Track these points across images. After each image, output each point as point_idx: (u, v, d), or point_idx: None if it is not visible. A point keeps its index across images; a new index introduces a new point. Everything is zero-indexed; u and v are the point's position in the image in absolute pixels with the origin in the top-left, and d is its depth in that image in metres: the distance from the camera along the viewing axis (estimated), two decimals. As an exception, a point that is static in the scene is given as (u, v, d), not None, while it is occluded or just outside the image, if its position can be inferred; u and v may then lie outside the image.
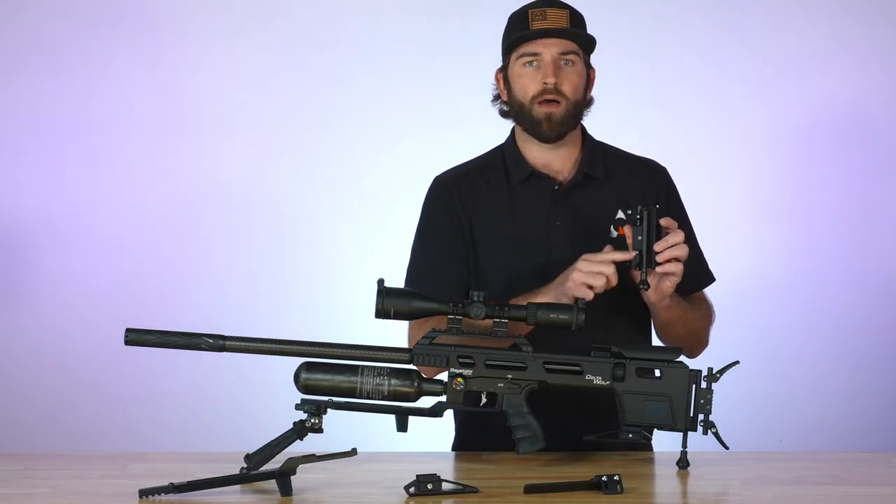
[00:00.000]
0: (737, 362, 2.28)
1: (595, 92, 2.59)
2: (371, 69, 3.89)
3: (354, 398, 2.19)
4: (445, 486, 2.06)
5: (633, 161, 2.65)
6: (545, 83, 2.49)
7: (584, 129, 2.62)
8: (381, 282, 2.23)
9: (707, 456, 2.34)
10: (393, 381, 2.20)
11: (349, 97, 3.90)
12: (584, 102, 2.55)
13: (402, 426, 2.20)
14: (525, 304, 2.25)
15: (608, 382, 2.26)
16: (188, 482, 2.05)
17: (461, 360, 2.24)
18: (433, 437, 2.63)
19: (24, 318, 3.85)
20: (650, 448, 2.50)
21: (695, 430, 2.27)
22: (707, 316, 2.60)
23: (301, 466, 2.08)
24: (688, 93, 3.89)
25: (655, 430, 2.36)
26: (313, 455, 2.10)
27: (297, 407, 2.15)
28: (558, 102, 2.49)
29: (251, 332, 2.24)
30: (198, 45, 3.88)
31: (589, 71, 2.57)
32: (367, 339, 2.28)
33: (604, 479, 2.07)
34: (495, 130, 2.66)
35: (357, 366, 2.20)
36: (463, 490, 2.07)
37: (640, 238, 2.34)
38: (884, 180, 3.88)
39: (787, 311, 3.89)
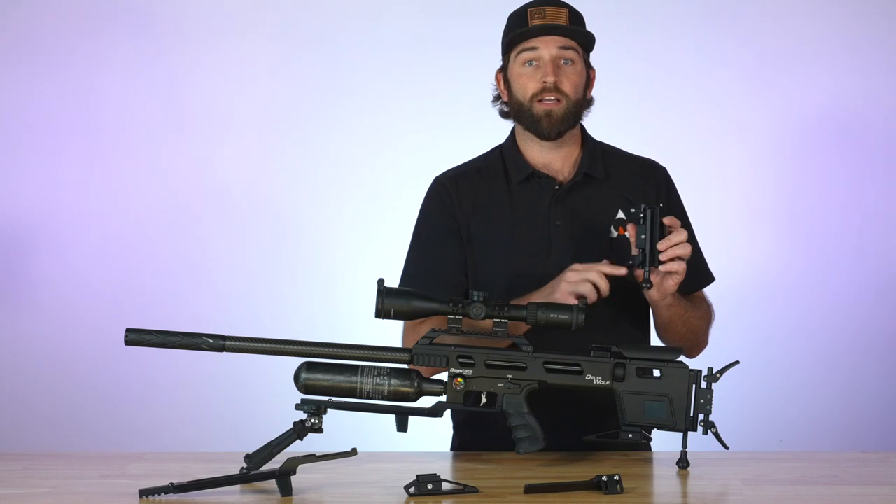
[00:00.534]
0: (737, 362, 2.28)
1: (595, 91, 2.59)
2: (370, 69, 3.89)
3: (354, 398, 2.19)
4: (445, 486, 2.06)
5: (633, 161, 2.65)
6: (545, 82, 2.49)
7: (583, 129, 2.62)
8: (381, 282, 2.23)
9: (707, 456, 2.34)
10: (393, 381, 2.20)
11: (349, 97, 3.90)
12: (584, 102, 2.55)
13: (402, 426, 2.20)
14: (525, 304, 2.25)
15: (608, 382, 2.26)
16: (188, 482, 2.05)
17: (461, 360, 2.24)
18: (433, 437, 2.64)
19: (24, 318, 3.85)
20: (650, 448, 2.50)
21: (695, 430, 2.27)
22: (707, 315, 2.60)
23: (301, 466, 2.08)
24: (688, 92, 3.89)
25: (655, 430, 2.36)
26: (313, 455, 2.10)
27: (297, 407, 2.15)
28: (558, 100, 2.49)
29: (251, 332, 2.24)
30: (196, 45, 3.88)
31: (589, 71, 2.57)
32: (367, 339, 2.28)
33: (604, 479, 2.07)
34: (495, 130, 2.66)
35: (357, 366, 2.20)
36: (463, 490, 2.07)
37: (643, 237, 2.35)
38: (885, 181, 3.88)
39: (787, 311, 3.89)
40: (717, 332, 2.63)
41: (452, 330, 2.23)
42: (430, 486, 2.05)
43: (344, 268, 3.87)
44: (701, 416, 2.27)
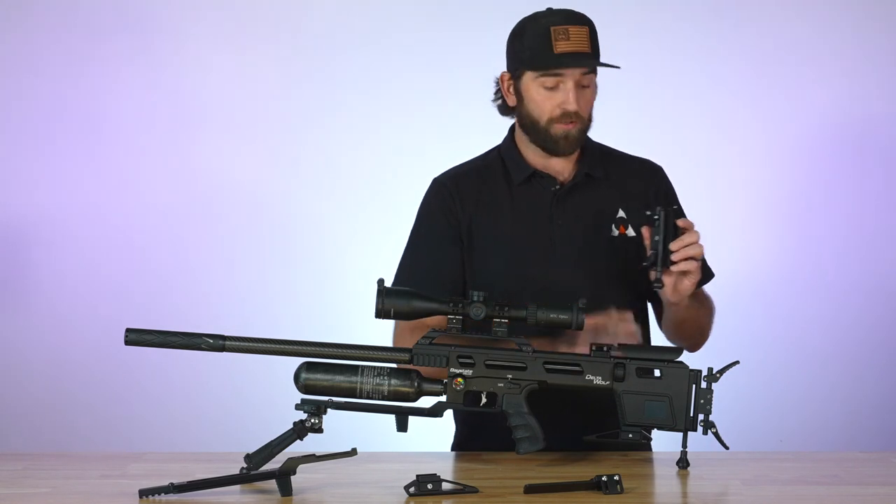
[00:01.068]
0: (737, 362, 2.28)
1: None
2: (372, 70, 3.89)
3: (354, 398, 2.20)
4: (445, 486, 2.06)
5: (631, 161, 2.65)
6: (566, 109, 2.47)
7: (582, 131, 2.61)
8: (381, 282, 2.23)
9: (707, 456, 2.34)
10: (393, 381, 2.20)
11: (349, 98, 3.89)
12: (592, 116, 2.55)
13: (402, 426, 2.20)
14: (525, 304, 2.25)
15: (608, 382, 2.26)
16: (188, 482, 2.05)
17: (461, 360, 2.25)
18: (433, 437, 2.63)
19: (23, 318, 3.85)
20: (650, 448, 2.50)
21: (695, 430, 2.27)
22: (711, 312, 2.61)
23: (301, 466, 2.08)
24: (687, 91, 3.88)
25: (655, 430, 2.36)
26: (313, 455, 2.10)
27: (297, 407, 2.15)
28: (575, 122, 2.48)
29: (251, 332, 2.24)
30: (200, 46, 3.87)
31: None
32: (367, 339, 2.28)
33: (604, 479, 2.07)
34: (496, 131, 2.65)
35: (357, 366, 2.20)
36: (463, 490, 2.07)
37: (656, 238, 2.35)
38: (885, 181, 3.88)
39: (787, 311, 3.89)
40: (717, 332, 2.63)
41: (452, 330, 2.23)
42: (430, 486, 2.05)
43: (344, 268, 3.86)
44: (701, 416, 2.27)
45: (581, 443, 2.33)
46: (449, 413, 2.31)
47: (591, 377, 2.26)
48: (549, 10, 2.51)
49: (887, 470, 2.33)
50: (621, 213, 2.56)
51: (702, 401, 2.27)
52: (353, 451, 2.12)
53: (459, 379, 2.24)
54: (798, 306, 3.89)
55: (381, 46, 3.89)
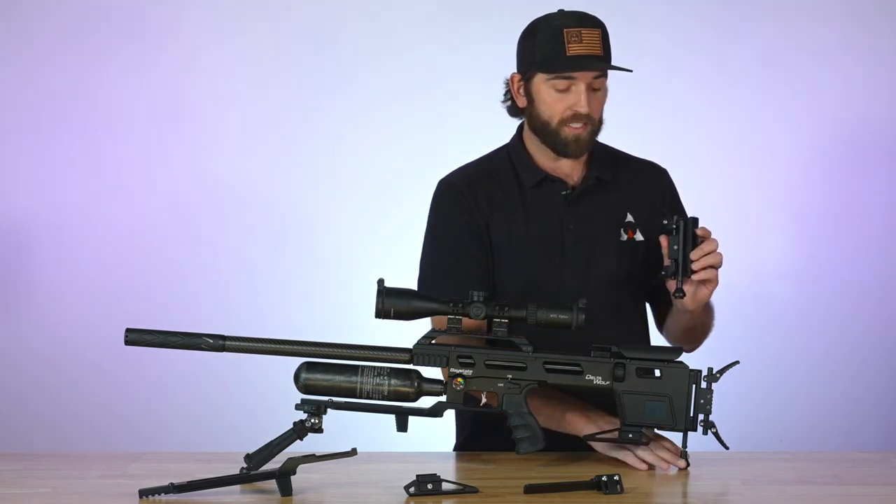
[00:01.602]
0: (737, 362, 2.29)
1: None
2: (371, 69, 3.89)
3: (354, 398, 2.19)
4: (445, 486, 2.06)
5: (637, 163, 2.64)
6: (577, 111, 2.46)
7: (589, 133, 2.61)
8: (381, 282, 2.23)
9: (707, 456, 2.34)
10: (393, 381, 2.20)
11: (349, 97, 3.89)
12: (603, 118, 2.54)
13: (402, 426, 2.20)
14: (525, 304, 2.25)
15: (608, 382, 2.26)
16: (188, 482, 2.05)
17: (461, 360, 2.25)
18: (433, 437, 2.63)
19: (23, 318, 3.85)
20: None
21: (695, 429, 2.27)
22: (713, 314, 2.61)
23: (301, 466, 2.08)
24: (690, 92, 3.88)
25: (655, 430, 2.36)
26: (313, 455, 2.11)
27: (297, 407, 2.15)
28: (586, 125, 2.48)
29: (251, 332, 2.24)
30: (197, 44, 3.87)
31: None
32: (367, 339, 2.28)
33: (604, 479, 2.07)
34: (498, 130, 2.65)
35: (357, 366, 2.20)
36: (463, 490, 2.07)
37: (675, 247, 2.35)
38: (886, 181, 3.88)
39: (787, 311, 3.89)
40: (717, 332, 2.63)
41: (452, 330, 2.23)
42: (430, 486, 2.05)
43: (344, 268, 3.86)
44: (701, 416, 2.27)
45: (581, 443, 2.33)
46: (449, 413, 2.31)
47: (591, 377, 2.26)
48: (562, 11, 2.49)
49: (887, 470, 2.33)
50: (629, 218, 2.56)
51: (702, 401, 2.27)
52: (353, 451, 2.12)
53: (459, 379, 2.24)
54: (798, 306, 3.89)
55: (384, 46, 3.89)
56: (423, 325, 2.33)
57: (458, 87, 3.77)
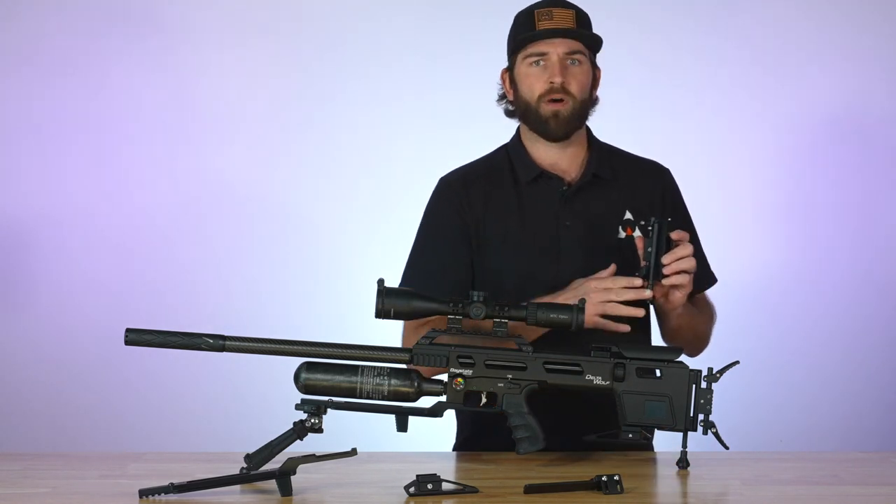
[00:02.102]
0: (737, 362, 2.28)
1: (599, 92, 2.59)
2: (373, 69, 3.89)
3: (354, 398, 2.19)
4: (445, 486, 2.06)
5: (638, 162, 2.65)
6: (552, 82, 2.49)
7: (589, 131, 2.62)
8: (381, 282, 2.23)
9: (707, 456, 2.34)
10: (393, 381, 2.20)
11: (351, 97, 3.89)
12: (591, 101, 2.55)
13: (402, 426, 2.20)
14: (525, 304, 2.25)
15: (608, 382, 2.26)
16: (188, 482, 2.05)
17: (461, 360, 2.24)
18: (433, 437, 2.64)
19: (23, 318, 3.85)
20: (650, 448, 2.50)
21: (695, 430, 2.27)
22: (711, 317, 2.62)
23: (301, 466, 2.08)
24: (689, 93, 3.89)
25: (655, 430, 2.36)
26: (313, 455, 2.10)
27: (297, 407, 2.15)
28: (565, 101, 2.49)
29: (251, 332, 2.24)
30: (199, 45, 3.88)
31: (595, 70, 2.57)
32: (367, 339, 2.28)
33: (604, 479, 2.07)
34: (499, 130, 2.65)
35: (357, 366, 2.20)
36: (463, 490, 2.07)
37: (649, 250, 2.35)
38: (885, 180, 3.88)
39: (788, 311, 3.89)
40: (717, 332, 2.63)
41: (452, 330, 2.23)
42: (430, 486, 2.05)
43: (344, 268, 3.87)
44: (701, 416, 2.27)
45: (581, 443, 2.33)
46: (449, 413, 2.31)
47: (591, 377, 2.26)
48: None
49: (887, 470, 2.33)
50: (628, 215, 2.56)
51: (702, 401, 2.27)
52: (353, 451, 2.12)
53: (459, 379, 2.24)
54: (798, 306, 3.89)
55: (385, 48, 3.89)
56: (422, 325, 2.34)
57: (460, 87, 3.77)
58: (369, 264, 3.49)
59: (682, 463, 2.27)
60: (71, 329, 3.84)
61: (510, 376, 2.25)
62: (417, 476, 2.05)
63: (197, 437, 3.79)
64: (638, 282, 2.37)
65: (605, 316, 2.39)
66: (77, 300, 3.84)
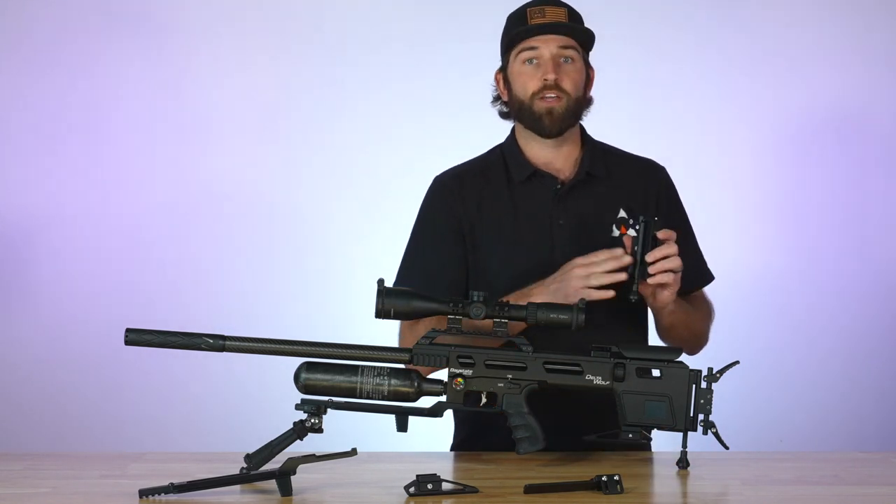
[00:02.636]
0: (737, 362, 2.28)
1: (596, 89, 2.59)
2: (372, 69, 3.89)
3: (354, 398, 2.19)
4: (445, 486, 2.06)
5: (633, 160, 2.65)
6: (545, 80, 2.49)
7: (583, 129, 2.62)
8: (381, 282, 2.23)
9: (707, 456, 2.34)
10: (393, 381, 2.20)
11: (348, 97, 3.89)
12: (585, 100, 2.56)
13: (402, 426, 2.20)
14: (525, 304, 2.25)
15: (608, 382, 2.26)
16: (188, 482, 2.05)
17: (461, 360, 2.24)
18: (433, 437, 2.64)
19: (23, 318, 3.85)
20: (650, 448, 2.50)
21: (695, 430, 2.27)
22: (708, 315, 2.61)
23: (301, 466, 2.08)
24: (689, 91, 3.88)
25: (655, 430, 2.36)
26: (313, 455, 2.10)
27: (297, 407, 2.15)
28: (559, 98, 2.50)
29: (251, 332, 2.24)
30: (197, 45, 3.88)
31: (588, 70, 2.57)
32: (367, 339, 2.28)
33: (604, 479, 2.07)
34: (495, 129, 2.65)
35: (357, 366, 2.20)
36: (463, 490, 2.07)
37: (636, 248, 2.35)
38: (888, 180, 3.88)
39: (788, 311, 3.89)
40: (717, 332, 2.63)
41: (452, 330, 2.23)
42: (430, 486, 2.05)
43: (344, 268, 3.87)
44: (701, 416, 2.27)
45: (581, 443, 2.33)
46: (448, 413, 2.31)
47: (591, 377, 2.26)
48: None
49: (887, 470, 2.33)
50: (622, 213, 2.56)
51: (702, 401, 2.27)
52: (353, 451, 2.12)
53: (459, 379, 2.24)
54: (799, 306, 3.89)
55: (387, 48, 3.89)
56: (422, 325, 2.34)
57: (457, 87, 3.77)
58: (369, 264, 3.49)
59: (682, 463, 2.27)
60: (71, 329, 3.84)
61: (510, 376, 2.25)
62: (417, 476, 2.05)
63: (197, 437, 3.79)
64: (619, 251, 2.37)
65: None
66: (77, 300, 3.84)
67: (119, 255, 3.86)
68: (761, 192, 3.90)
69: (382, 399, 2.20)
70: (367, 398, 2.20)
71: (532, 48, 2.51)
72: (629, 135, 2.79)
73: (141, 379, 3.84)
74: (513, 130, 2.63)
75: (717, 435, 2.27)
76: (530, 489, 2.07)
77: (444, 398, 2.24)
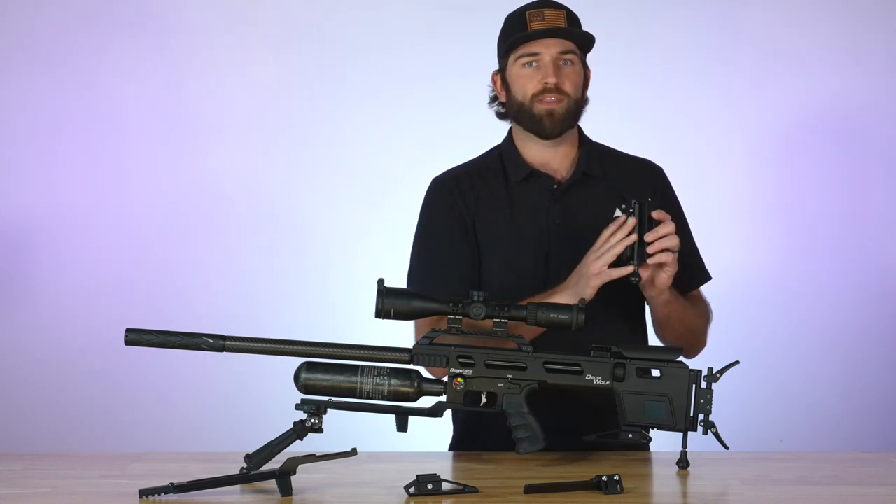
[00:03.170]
0: (737, 362, 2.28)
1: (594, 90, 2.59)
2: (371, 68, 3.89)
3: (354, 398, 2.19)
4: (445, 486, 2.06)
5: (630, 161, 2.65)
6: (546, 83, 2.50)
7: (580, 130, 2.62)
8: (381, 282, 2.23)
9: (707, 456, 2.34)
10: (393, 381, 2.20)
11: (348, 97, 3.90)
12: (583, 101, 2.56)
13: (402, 426, 2.20)
14: (525, 303, 2.25)
15: (608, 382, 2.26)
16: (188, 482, 2.05)
17: (461, 360, 2.25)
18: (433, 437, 2.63)
19: (23, 318, 3.85)
20: (650, 448, 2.50)
21: (695, 430, 2.27)
22: (705, 314, 2.61)
23: (301, 466, 2.08)
24: (687, 91, 3.89)
25: (655, 430, 2.36)
26: (313, 455, 2.10)
27: (297, 407, 2.15)
28: (560, 99, 2.50)
29: (251, 332, 2.24)
30: (195, 44, 3.88)
31: (586, 70, 2.57)
32: (367, 339, 2.28)
33: (604, 479, 2.07)
34: (494, 130, 2.66)
35: (357, 366, 2.20)
36: (463, 490, 2.07)
37: (633, 231, 2.36)
38: (886, 180, 3.88)
39: (787, 310, 3.89)
40: (717, 333, 2.63)
41: (452, 330, 2.23)
42: (430, 486, 2.05)
43: (344, 268, 3.87)
44: (701, 416, 2.27)
45: (581, 443, 2.33)
46: (448, 413, 2.31)
47: (591, 377, 2.26)
48: (530, 3, 2.57)
49: (887, 470, 2.33)
50: (618, 213, 2.56)
51: (702, 401, 2.27)
52: (353, 451, 2.12)
53: (459, 379, 2.24)
54: (798, 306, 3.89)
55: (377, 44, 3.89)
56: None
57: (455, 87, 3.77)
58: (369, 264, 3.49)
59: (682, 463, 2.27)
60: (71, 329, 3.84)
61: (510, 376, 2.25)
62: (417, 476, 2.05)
63: (197, 437, 3.79)
64: (619, 219, 2.37)
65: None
66: (76, 300, 3.84)
67: (119, 255, 3.86)
68: (759, 193, 3.90)
69: (382, 399, 2.20)
70: (367, 398, 2.20)
71: (532, 53, 2.51)
72: (627, 135, 2.80)
73: (141, 379, 3.84)
74: (510, 131, 2.63)
75: (717, 435, 2.27)
76: (530, 489, 2.07)
77: (444, 398, 2.24)
